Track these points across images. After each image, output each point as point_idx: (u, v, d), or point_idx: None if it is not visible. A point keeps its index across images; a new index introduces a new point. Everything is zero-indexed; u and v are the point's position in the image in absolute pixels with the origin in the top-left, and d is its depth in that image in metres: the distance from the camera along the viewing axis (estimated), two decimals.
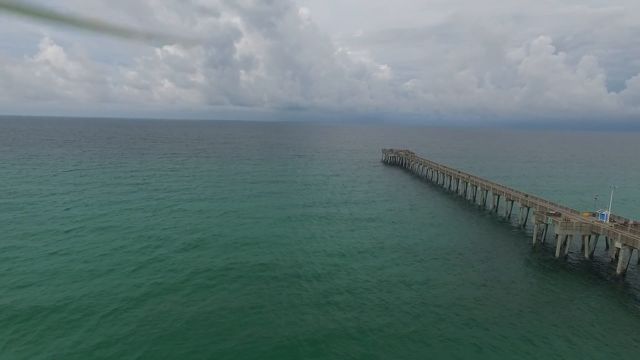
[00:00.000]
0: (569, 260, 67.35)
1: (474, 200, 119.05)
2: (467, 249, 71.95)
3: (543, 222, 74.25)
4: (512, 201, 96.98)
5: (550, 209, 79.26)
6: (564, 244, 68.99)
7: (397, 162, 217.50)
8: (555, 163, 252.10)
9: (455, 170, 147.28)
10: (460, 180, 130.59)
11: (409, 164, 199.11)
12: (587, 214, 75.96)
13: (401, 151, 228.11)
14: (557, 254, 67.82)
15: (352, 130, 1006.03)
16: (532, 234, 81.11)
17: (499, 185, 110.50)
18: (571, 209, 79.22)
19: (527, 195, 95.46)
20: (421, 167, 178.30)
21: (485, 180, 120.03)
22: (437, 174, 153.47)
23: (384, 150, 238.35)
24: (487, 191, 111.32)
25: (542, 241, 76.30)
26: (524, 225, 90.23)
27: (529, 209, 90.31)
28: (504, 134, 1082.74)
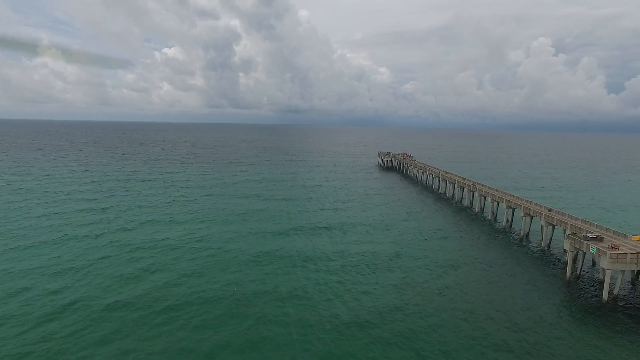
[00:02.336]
0: (622, 304, 49.24)
1: (482, 212, 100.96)
2: (483, 283, 53.89)
3: (581, 250, 56.15)
4: (531, 216, 78.98)
5: (587, 231, 61.08)
6: (613, 281, 50.81)
7: (395, 167, 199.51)
8: (566, 169, 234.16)
9: (459, 177, 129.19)
10: (465, 189, 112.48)
11: (407, 169, 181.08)
12: (637, 237, 57.89)
13: (399, 154, 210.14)
14: (604, 296, 49.74)
15: (351, 132, 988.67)
16: (562, 261, 63.12)
17: (513, 197, 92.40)
18: (613, 231, 61.07)
19: (550, 210, 77.35)
20: (420, 172, 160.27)
21: (496, 190, 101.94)
22: (439, 180, 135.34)
23: (380, 154, 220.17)
24: (498, 203, 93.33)
25: (578, 273, 58.15)
26: (548, 246, 72.19)
27: (554, 227, 72.18)
28: (505, 136, 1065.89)
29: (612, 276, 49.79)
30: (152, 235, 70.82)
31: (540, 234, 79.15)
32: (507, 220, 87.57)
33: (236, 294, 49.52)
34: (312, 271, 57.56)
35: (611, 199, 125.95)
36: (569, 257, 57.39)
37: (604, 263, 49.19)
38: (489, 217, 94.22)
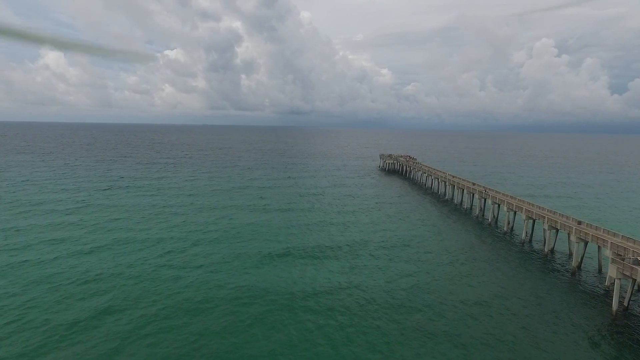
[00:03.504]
0: None
1: (497, 222, 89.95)
2: (517, 330, 42.96)
3: (632, 277, 45.14)
4: (557, 230, 67.98)
5: (634, 252, 49.98)
6: None
7: (397, 170, 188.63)
8: (588, 173, 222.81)
9: (468, 181, 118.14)
10: (475, 195, 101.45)
11: (410, 172, 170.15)
12: None
13: (401, 157, 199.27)
14: None
15: (353, 134, 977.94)
16: (601, 287, 52.07)
17: (533, 205, 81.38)
18: None
19: (580, 223, 66.27)
20: (425, 176, 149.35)
21: (512, 198, 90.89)
22: (446, 185, 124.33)
23: (382, 156, 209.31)
24: (515, 212, 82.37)
25: (626, 305, 47.10)
26: (579, 267, 61.14)
27: (586, 244, 61.11)
28: (508, 137, 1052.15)
29: None
30: (115, 260, 59.14)
31: (568, 250, 68.44)
32: (527, 234, 76.55)
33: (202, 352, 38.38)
34: (311, 320, 43.07)
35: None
36: (615, 287, 46.34)
37: None
38: (505, 229, 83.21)
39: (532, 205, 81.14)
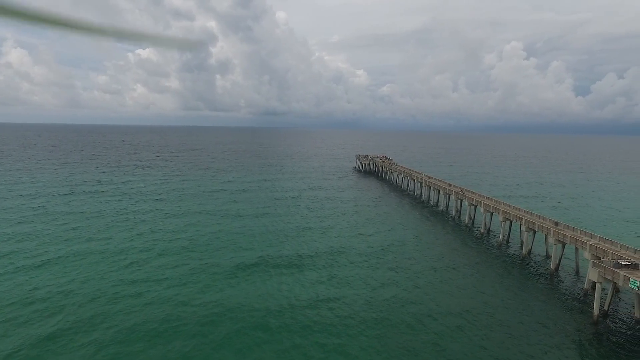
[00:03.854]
0: None
1: (473, 224, 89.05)
2: (488, 332, 40.95)
3: (613, 281, 44.04)
4: (534, 231, 67.18)
5: (614, 254, 49.10)
6: None
7: (373, 170, 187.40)
8: (564, 172, 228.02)
9: (444, 182, 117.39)
10: (452, 197, 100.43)
11: (386, 173, 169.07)
12: None
13: (377, 157, 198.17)
14: None
15: (329, 135, 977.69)
16: (580, 290, 51.03)
17: (509, 207, 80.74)
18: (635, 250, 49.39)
19: (557, 224, 65.65)
20: (401, 177, 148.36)
21: (489, 199, 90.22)
22: (422, 186, 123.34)
23: (357, 157, 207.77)
24: (492, 214, 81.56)
25: (606, 309, 46.05)
26: (557, 269, 60.25)
27: (564, 245, 60.27)
28: (481, 137, 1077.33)
29: None
30: (69, 275, 53.08)
31: (545, 251, 67.73)
32: (504, 236, 75.66)
33: None
34: (288, 339, 39.12)
35: (626, 208, 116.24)
36: (596, 291, 45.17)
37: None
38: (482, 231, 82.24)
39: (509, 206, 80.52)
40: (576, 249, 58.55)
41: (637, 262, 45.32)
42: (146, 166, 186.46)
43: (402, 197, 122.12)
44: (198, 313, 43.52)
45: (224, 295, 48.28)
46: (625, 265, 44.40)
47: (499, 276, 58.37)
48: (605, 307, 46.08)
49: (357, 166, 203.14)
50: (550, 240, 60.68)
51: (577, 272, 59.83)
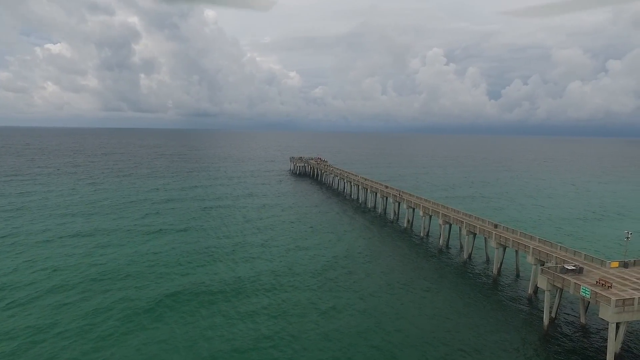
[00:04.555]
0: None
1: (412, 227, 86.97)
2: (431, 331, 36.81)
3: (563, 288, 42.26)
4: (475, 234, 65.77)
5: (557, 257, 47.84)
6: (616, 333, 36.92)
7: (308, 173, 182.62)
8: (491, 171, 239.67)
9: (381, 184, 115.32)
10: (389, 199, 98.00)
11: (321, 175, 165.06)
12: (616, 264, 46.06)
13: (312, 159, 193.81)
14: (609, 357, 35.76)
15: (263, 136, 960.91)
16: (524, 296, 49.34)
17: (449, 209, 79.50)
18: (584, 255, 48.87)
19: (496, 226, 64.73)
20: (337, 179, 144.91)
21: (426, 201, 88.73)
22: (359, 189, 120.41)
23: (292, 159, 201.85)
24: (430, 216, 79.77)
25: (553, 316, 44.41)
26: (499, 272, 58.80)
27: (505, 249, 59.03)
28: (411, 138, 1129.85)
29: (614, 329, 35.99)
30: None
31: (485, 254, 66.65)
32: (444, 239, 73.90)
33: None
34: None
35: (559, 207, 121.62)
36: (546, 298, 43.22)
37: (606, 313, 35.17)
38: (422, 234, 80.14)
39: (448, 208, 79.22)
40: (516, 252, 57.55)
41: (580, 265, 44.18)
42: (53, 174, 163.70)
43: (341, 202, 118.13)
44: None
45: (139, 343, 38.63)
46: (572, 270, 42.96)
47: (445, 286, 55.41)
48: (553, 314, 44.44)
49: (291, 168, 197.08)
50: (492, 243, 59.21)
51: (518, 275, 58.97)
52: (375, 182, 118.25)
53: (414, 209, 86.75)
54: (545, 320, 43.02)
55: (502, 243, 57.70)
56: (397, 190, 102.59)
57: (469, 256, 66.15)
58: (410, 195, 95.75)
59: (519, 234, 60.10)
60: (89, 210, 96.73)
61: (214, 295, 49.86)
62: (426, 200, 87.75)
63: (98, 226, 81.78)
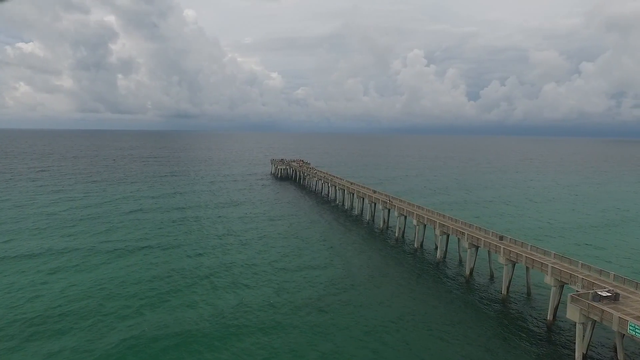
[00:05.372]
0: None
1: (403, 236, 79.35)
2: None
3: (602, 322, 34.87)
4: (477, 247, 58.45)
5: (585, 280, 40.54)
6: None
7: (290, 175, 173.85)
8: (480, 173, 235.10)
9: (368, 189, 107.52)
10: (378, 205, 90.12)
11: (303, 178, 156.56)
12: None
13: (293, 162, 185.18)
14: None
15: (244, 138, 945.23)
16: (547, 325, 41.93)
17: (444, 217, 72.12)
18: (614, 275, 41.80)
19: (502, 238, 57.52)
20: (321, 182, 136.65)
21: (420, 208, 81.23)
22: (344, 194, 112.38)
23: (273, 161, 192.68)
24: (425, 225, 72.15)
25: (584, 352, 37.08)
26: (508, 290, 51.50)
27: (514, 264, 51.70)
28: (394, 139, 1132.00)
29: None
30: None
31: (489, 270, 59.37)
32: (442, 251, 66.43)
33: None
34: None
35: (563, 212, 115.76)
36: (577, 333, 35.81)
37: None
38: (416, 245, 72.52)
39: (445, 217, 71.78)
40: (527, 268, 50.34)
41: (616, 290, 37.00)
42: (13, 179, 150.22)
43: (327, 210, 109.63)
44: None
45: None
46: (606, 297, 35.71)
47: (449, 313, 47.71)
48: (584, 350, 37.05)
49: (272, 171, 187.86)
50: (500, 259, 51.84)
51: (529, 293, 51.82)
52: (362, 187, 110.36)
53: (405, 217, 79.17)
54: (578, 359, 35.63)
55: (512, 259, 50.35)
56: (386, 195, 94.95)
57: (471, 272, 58.73)
58: (401, 201, 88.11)
59: (529, 247, 52.92)
60: (44, 224, 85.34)
61: (193, 341, 40.14)
62: (420, 208, 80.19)
63: (51, 246, 70.67)
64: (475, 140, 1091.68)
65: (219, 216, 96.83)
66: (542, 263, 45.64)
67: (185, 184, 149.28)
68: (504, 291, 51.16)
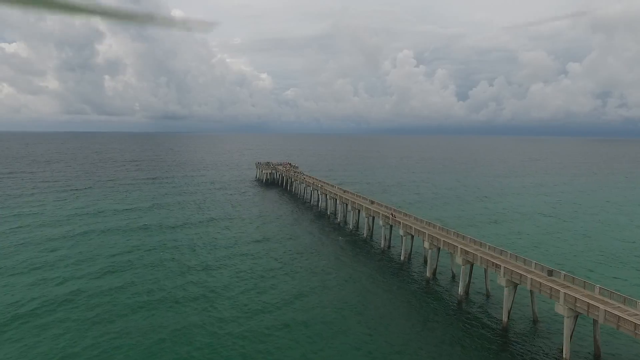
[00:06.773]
0: None
1: (409, 260, 64.73)
2: None
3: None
4: (515, 284, 43.96)
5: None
6: None
7: (276, 180, 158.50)
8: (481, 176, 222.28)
9: (365, 199, 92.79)
10: (379, 220, 75.14)
11: (291, 184, 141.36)
12: None
13: (280, 165, 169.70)
14: None
15: (233, 139, 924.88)
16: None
17: (466, 240, 57.67)
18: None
19: (551, 273, 43.01)
20: (310, 189, 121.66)
21: (432, 226, 66.53)
22: (336, 204, 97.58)
23: (258, 165, 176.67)
24: (438, 248, 57.55)
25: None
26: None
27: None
28: (384, 139, 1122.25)
29: None
30: None
31: (532, 313, 44.87)
32: (465, 284, 51.79)
33: None
34: None
35: (601, 233, 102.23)
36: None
37: None
38: (428, 275, 57.82)
39: (467, 239, 56.87)
40: (594, 322, 36.03)
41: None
42: None
43: (319, 226, 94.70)
44: None
45: None
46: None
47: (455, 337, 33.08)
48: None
49: (257, 176, 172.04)
50: (558, 309, 37.35)
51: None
52: (357, 196, 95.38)
53: (413, 237, 64.58)
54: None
55: (574, 309, 35.97)
56: (387, 208, 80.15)
57: (508, 315, 44.23)
58: (406, 216, 73.23)
59: (584, 284, 38.86)
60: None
61: None
62: (432, 226, 65.32)
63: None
64: (469, 140, 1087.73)
65: (199, 234, 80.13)
66: (623, 319, 31.17)
67: (164, 194, 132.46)
68: (565, 355, 36.71)
